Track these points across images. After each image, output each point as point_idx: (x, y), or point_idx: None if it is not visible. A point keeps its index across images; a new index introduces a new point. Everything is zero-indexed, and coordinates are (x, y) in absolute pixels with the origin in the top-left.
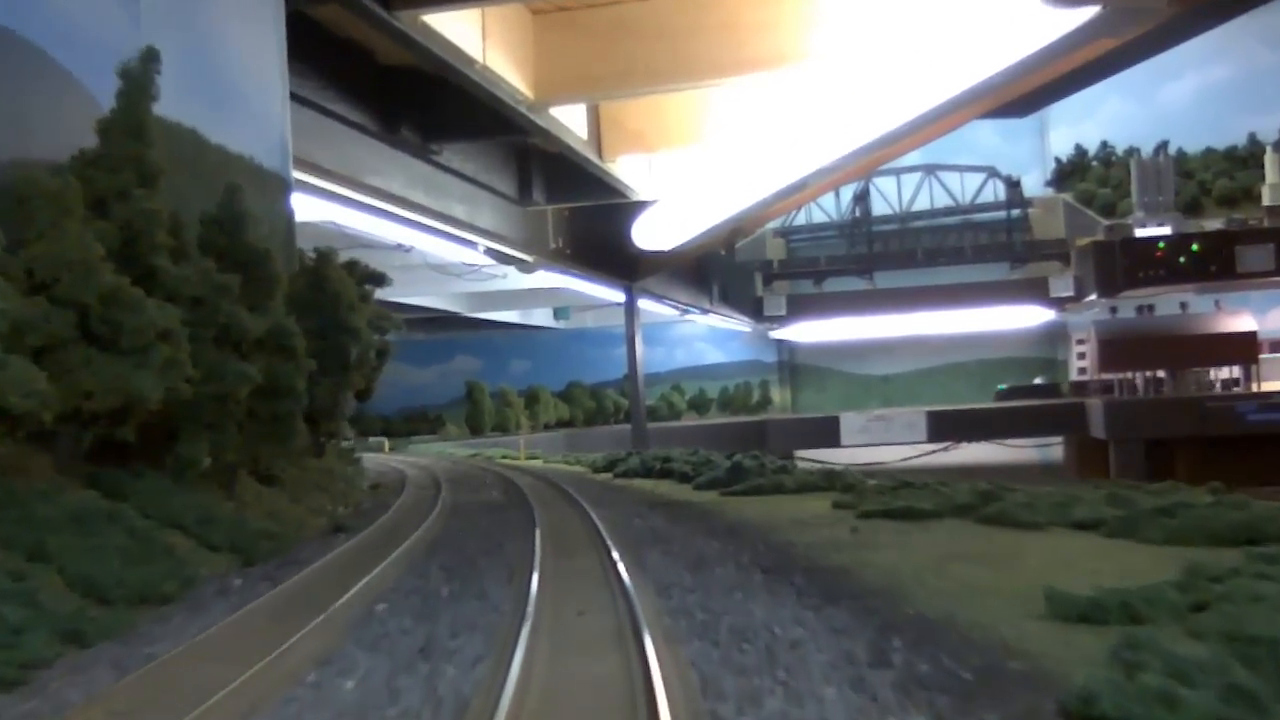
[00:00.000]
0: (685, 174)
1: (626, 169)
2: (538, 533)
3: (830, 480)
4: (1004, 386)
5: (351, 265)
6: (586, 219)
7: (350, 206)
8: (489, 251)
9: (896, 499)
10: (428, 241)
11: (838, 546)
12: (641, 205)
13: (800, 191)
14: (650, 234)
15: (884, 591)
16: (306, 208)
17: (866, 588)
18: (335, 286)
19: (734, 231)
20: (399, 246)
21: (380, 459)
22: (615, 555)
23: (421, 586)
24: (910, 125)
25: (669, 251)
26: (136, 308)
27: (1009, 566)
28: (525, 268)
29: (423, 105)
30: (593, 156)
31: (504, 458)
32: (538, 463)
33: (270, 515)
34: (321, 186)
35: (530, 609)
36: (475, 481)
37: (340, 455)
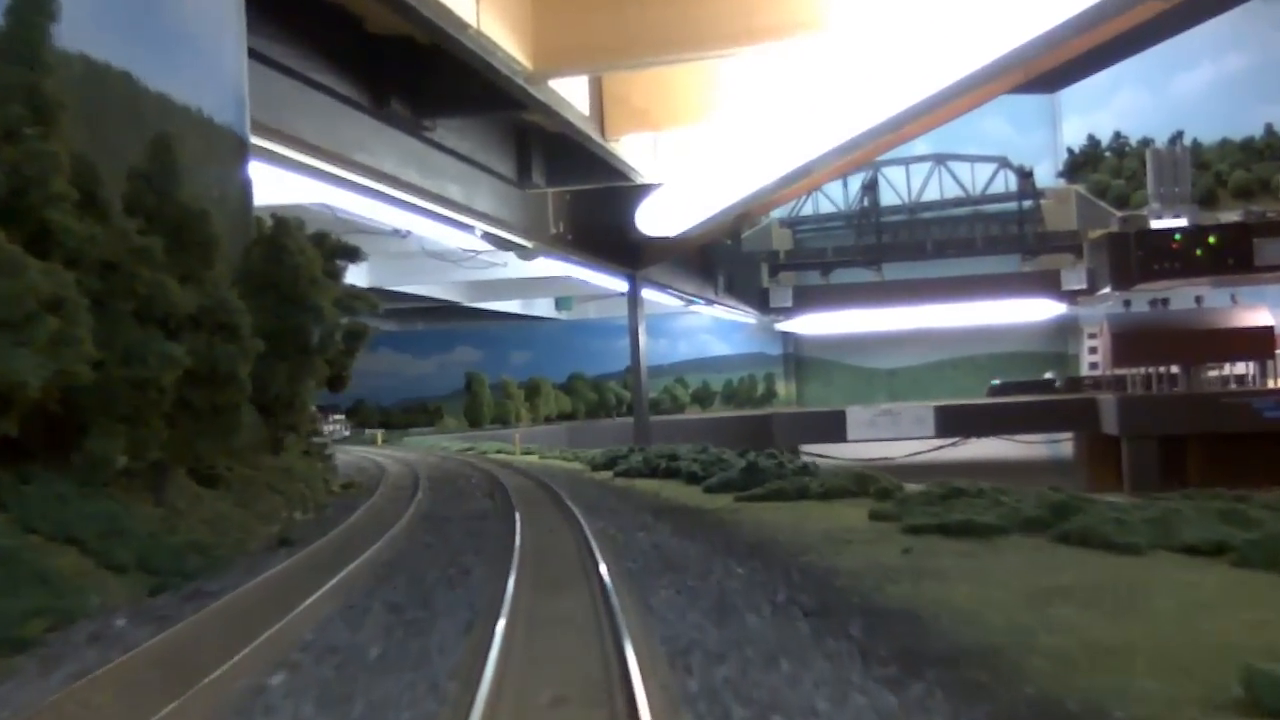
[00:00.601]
0: (691, 155)
1: (630, 149)
2: (516, 555)
3: (861, 484)
4: (997, 382)
5: (321, 238)
6: (588, 203)
7: (338, 185)
8: (487, 236)
9: (949, 510)
10: (423, 225)
11: (892, 575)
12: (646, 189)
13: (812, 173)
14: (655, 219)
15: (979, 653)
16: (295, 189)
17: (954, 646)
18: (295, 258)
19: (741, 217)
20: (396, 232)
21: (366, 453)
22: (612, 592)
23: (347, 641)
24: (931, 100)
25: (674, 238)
26: (13, 269)
27: (1132, 611)
28: (525, 254)
29: (414, 77)
30: (595, 135)
31: (498, 452)
32: (533, 458)
33: (208, 523)
34: (305, 163)
35: (484, 690)
36: (459, 481)
37: (306, 452)
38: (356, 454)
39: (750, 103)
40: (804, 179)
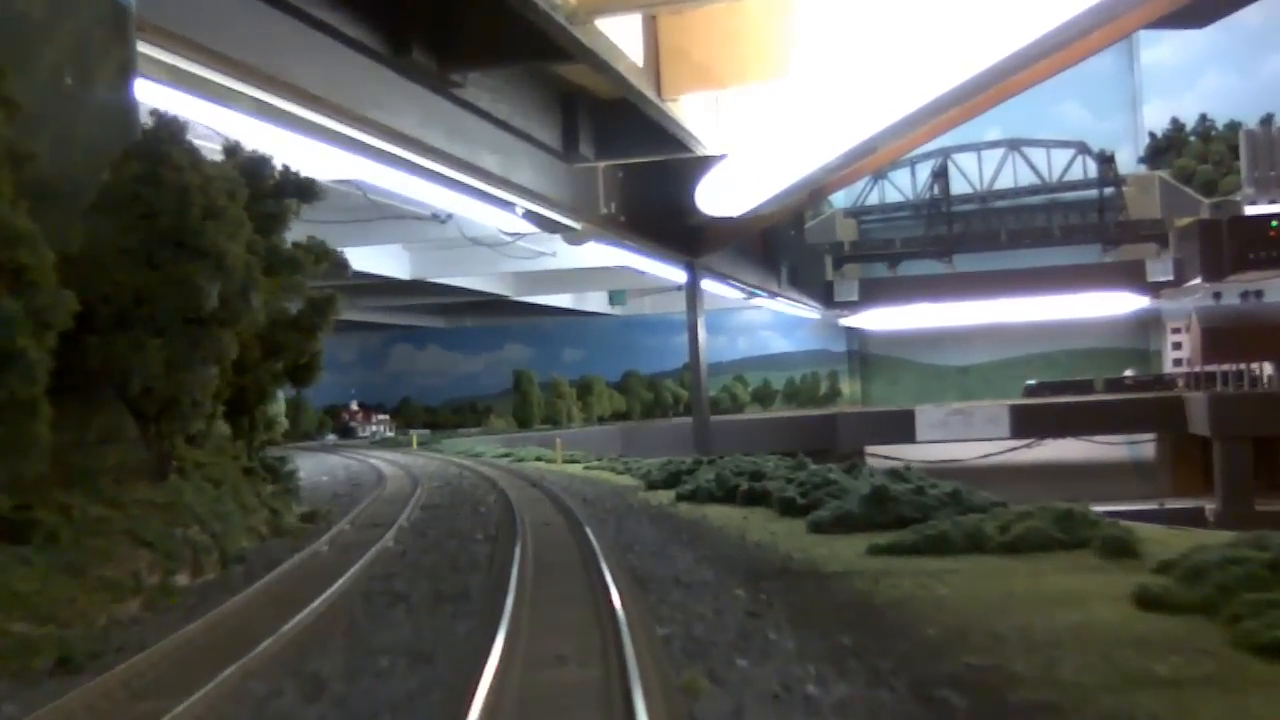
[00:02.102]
0: (759, 120)
1: (690, 113)
2: None
3: (1067, 527)
4: (1033, 382)
5: (258, 165)
6: (643, 181)
7: (348, 148)
8: (529, 215)
9: None
10: (458, 203)
11: None
12: (706, 164)
13: (898, 139)
14: (716, 197)
15: None
16: (309, 161)
17: None
18: (181, 177)
19: (815, 193)
20: (435, 216)
21: (388, 458)
22: None
23: None
24: (1054, 36)
25: (736, 219)
26: None
27: None
28: (573, 237)
29: (439, 20)
30: (650, 93)
31: (537, 459)
32: (575, 468)
33: None
34: (305, 118)
35: None
36: (463, 509)
37: (248, 470)
38: (373, 460)
39: (829, 55)
40: (889, 145)
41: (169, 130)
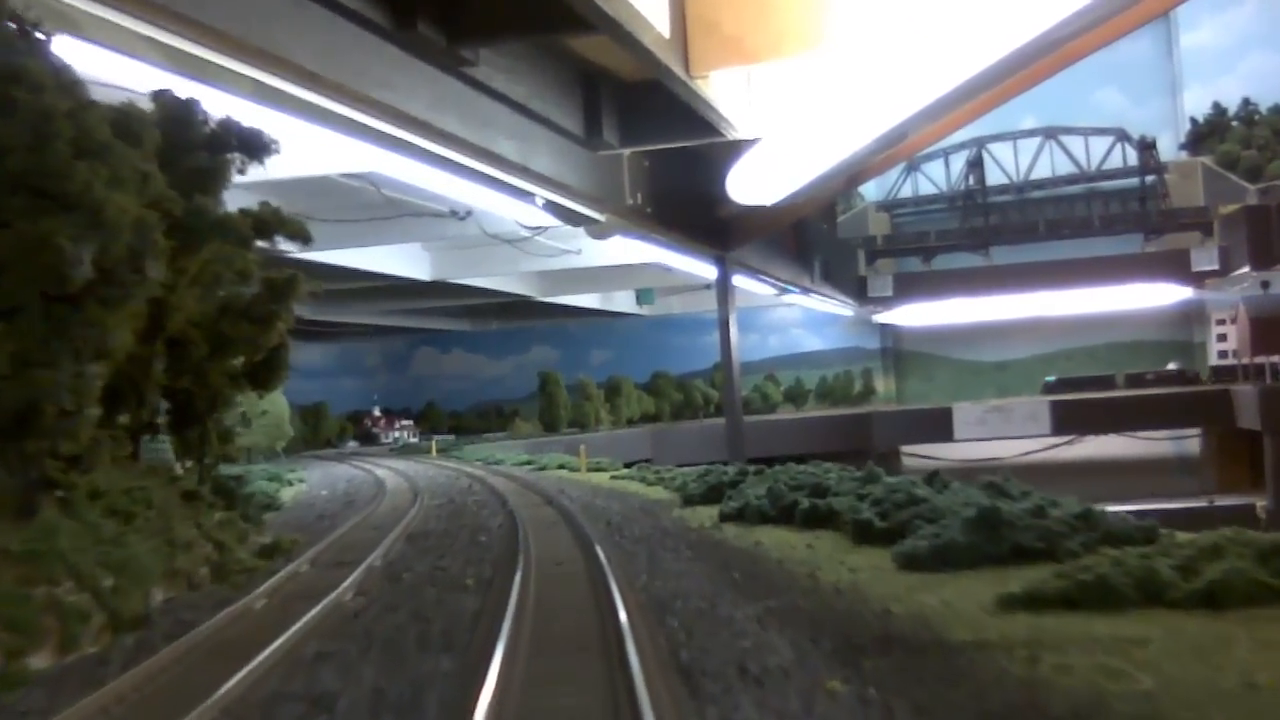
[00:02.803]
0: (794, 100)
1: (721, 93)
2: None
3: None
4: (1051, 379)
5: (187, 110)
6: (670, 170)
7: (349, 132)
8: (549, 207)
9: None
10: (473, 193)
11: None
12: (736, 152)
13: (941, 118)
14: (748, 185)
15: None
16: (316, 154)
17: None
18: (44, 102)
19: (852, 178)
20: (454, 214)
21: (400, 468)
22: None
23: None
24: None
25: (769, 209)
26: None
27: None
28: (597, 230)
29: None
30: (677, 68)
31: (560, 468)
32: (602, 477)
33: None
34: (300, 97)
35: None
36: (460, 535)
37: (190, 495)
38: (381, 471)
39: (869, 24)
40: (931, 125)
41: (27, 40)
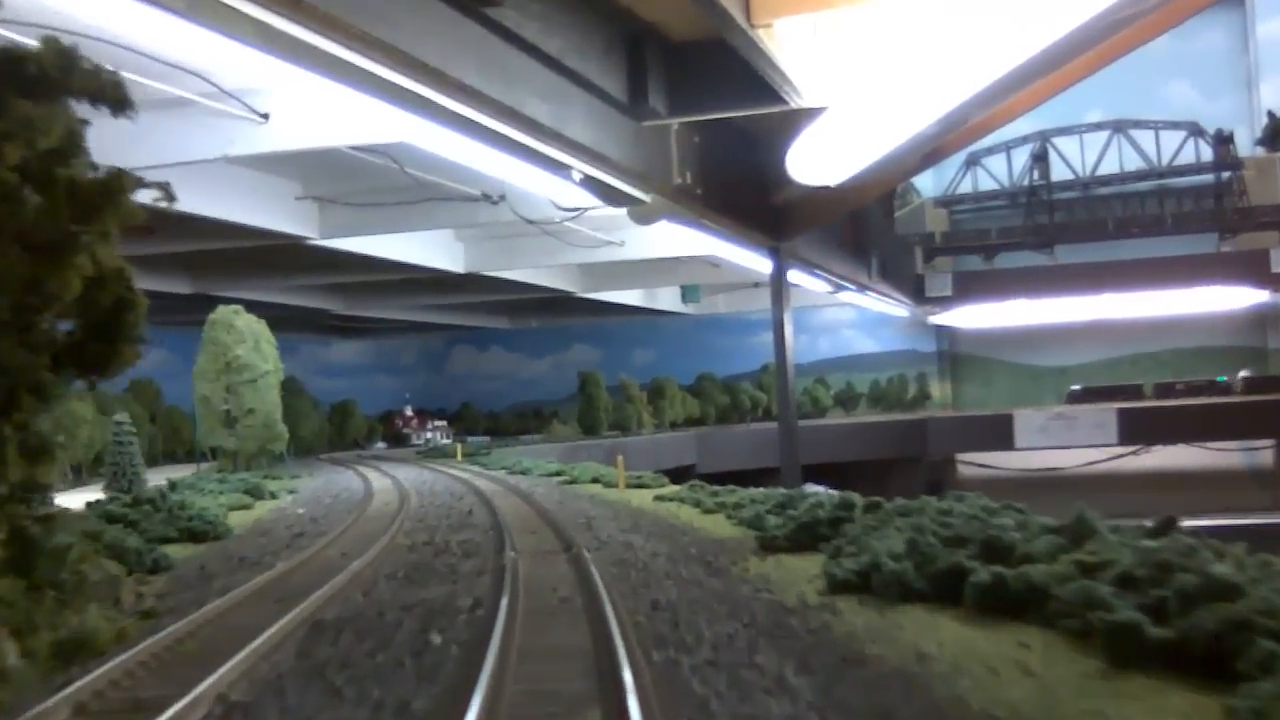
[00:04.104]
0: (866, 60)
1: (786, 49)
2: None
3: None
4: (1077, 388)
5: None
6: (722, 147)
7: (349, 80)
8: (587, 183)
9: None
10: (495, 163)
11: None
12: (796, 125)
13: (1024, 87)
14: (812, 161)
15: None
16: (331, 125)
17: None
18: None
19: (929, 155)
20: (485, 196)
21: (409, 478)
22: None
23: None
24: None
25: (831, 192)
26: None
27: None
28: (641, 213)
29: None
30: (738, 16)
31: (594, 480)
32: (644, 497)
33: None
34: (291, 33)
35: None
36: (411, 615)
37: None
38: (384, 482)
39: None
40: (1021, 90)
41: None
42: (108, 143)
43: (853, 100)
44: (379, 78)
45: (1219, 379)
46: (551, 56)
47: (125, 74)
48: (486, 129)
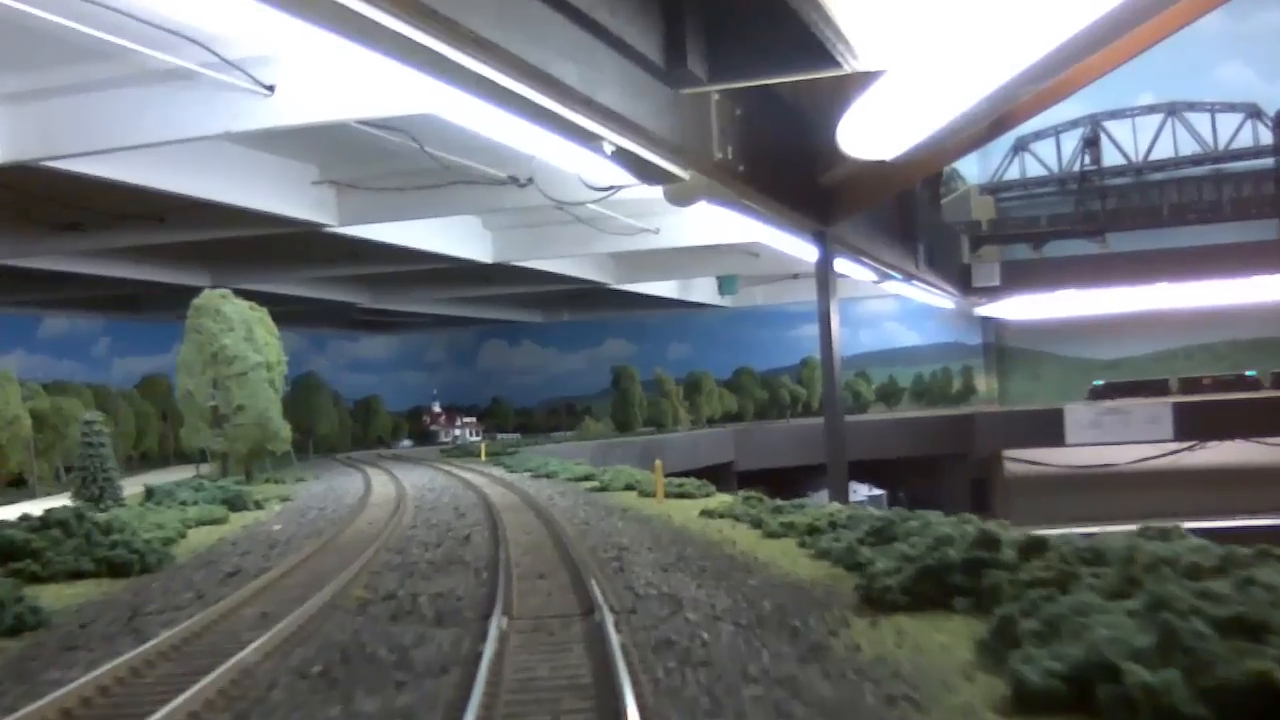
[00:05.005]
0: (926, 18)
1: (841, 5)
2: None
3: None
4: (1100, 383)
5: None
6: (766, 120)
7: (337, 28)
8: (620, 157)
9: None
10: (520, 135)
11: None
12: (845, 98)
13: (1098, 49)
14: (865, 133)
15: None
16: (328, 88)
17: None
18: None
19: (996, 123)
20: (512, 179)
21: (418, 484)
22: None
23: None
24: None
25: (880, 171)
26: None
27: None
28: (678, 192)
29: None
30: None
31: (628, 488)
32: (685, 510)
33: None
34: None
35: None
36: None
37: None
38: (388, 486)
39: None
40: (1087, 57)
41: None
42: (109, 117)
43: (914, 63)
44: (385, 29)
45: (1249, 373)
46: (579, 10)
47: (123, 42)
48: (508, 92)
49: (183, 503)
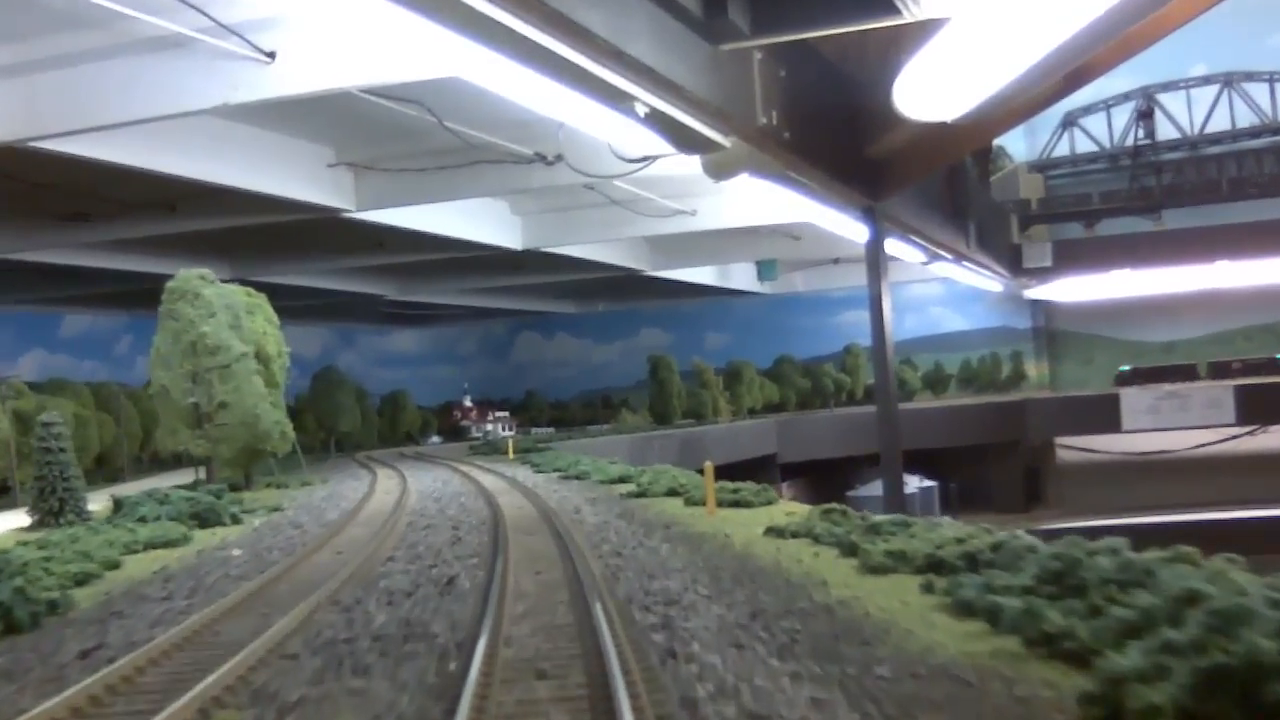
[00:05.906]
0: None
1: None
2: None
3: None
4: (1126, 368)
5: None
6: (812, 82)
7: None
8: (653, 121)
9: None
10: (542, 95)
11: None
12: (897, 57)
13: None
14: (926, 91)
15: None
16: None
17: None
18: None
19: (1072, 76)
20: (539, 156)
21: (423, 491)
22: None
23: None
24: None
25: (934, 140)
26: None
27: None
28: (717, 163)
29: None
30: None
31: (672, 493)
32: (746, 529)
33: None
34: None
35: None
36: None
37: None
38: (390, 496)
39: None
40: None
41: None
42: (98, 90)
43: (980, 9)
44: None
45: (1278, 356)
46: None
47: (112, 5)
48: (528, 43)
49: (141, 518)
